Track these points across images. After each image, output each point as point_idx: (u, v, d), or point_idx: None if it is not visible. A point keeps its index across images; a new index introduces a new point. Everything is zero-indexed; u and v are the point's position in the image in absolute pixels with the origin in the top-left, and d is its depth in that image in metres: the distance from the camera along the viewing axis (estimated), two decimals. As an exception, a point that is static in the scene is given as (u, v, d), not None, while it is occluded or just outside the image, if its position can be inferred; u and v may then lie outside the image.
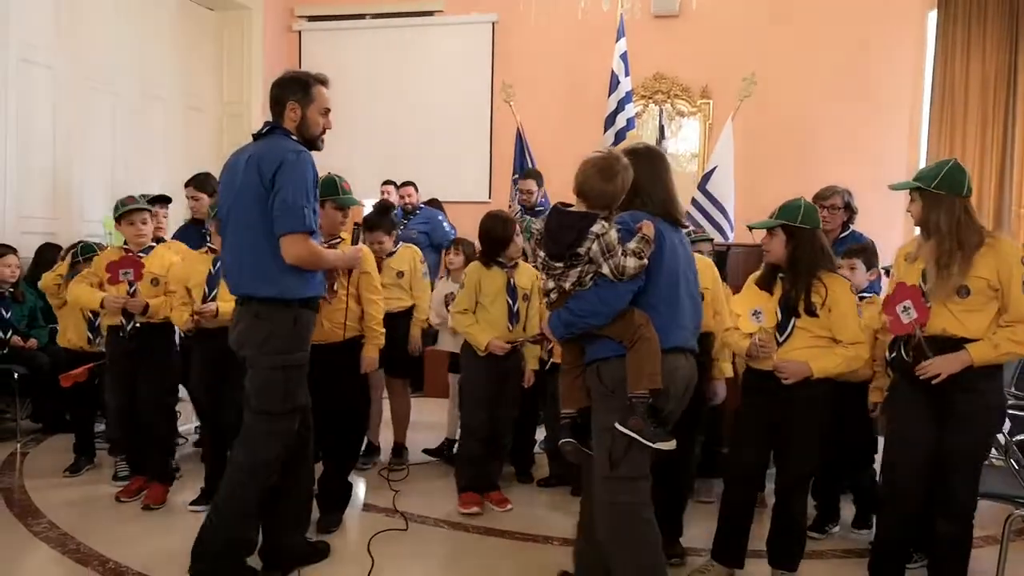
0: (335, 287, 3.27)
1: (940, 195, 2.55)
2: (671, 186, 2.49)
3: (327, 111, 2.79)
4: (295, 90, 2.72)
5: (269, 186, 2.57)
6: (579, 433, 2.43)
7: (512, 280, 3.73)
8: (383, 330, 3.49)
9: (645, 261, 2.27)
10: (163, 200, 4.47)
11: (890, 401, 2.81)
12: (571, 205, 2.36)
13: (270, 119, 2.79)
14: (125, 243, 3.77)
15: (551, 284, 2.36)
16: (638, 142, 2.52)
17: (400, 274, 4.12)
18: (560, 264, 2.31)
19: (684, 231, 2.56)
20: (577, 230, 2.27)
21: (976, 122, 6.54)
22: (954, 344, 2.54)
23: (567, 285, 2.31)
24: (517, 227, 3.81)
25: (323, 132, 2.80)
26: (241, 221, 2.66)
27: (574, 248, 2.26)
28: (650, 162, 2.48)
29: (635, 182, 2.37)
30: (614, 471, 2.29)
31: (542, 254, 2.39)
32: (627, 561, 2.31)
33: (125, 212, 3.66)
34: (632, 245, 2.26)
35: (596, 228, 2.25)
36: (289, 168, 2.57)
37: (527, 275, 3.79)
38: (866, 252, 3.37)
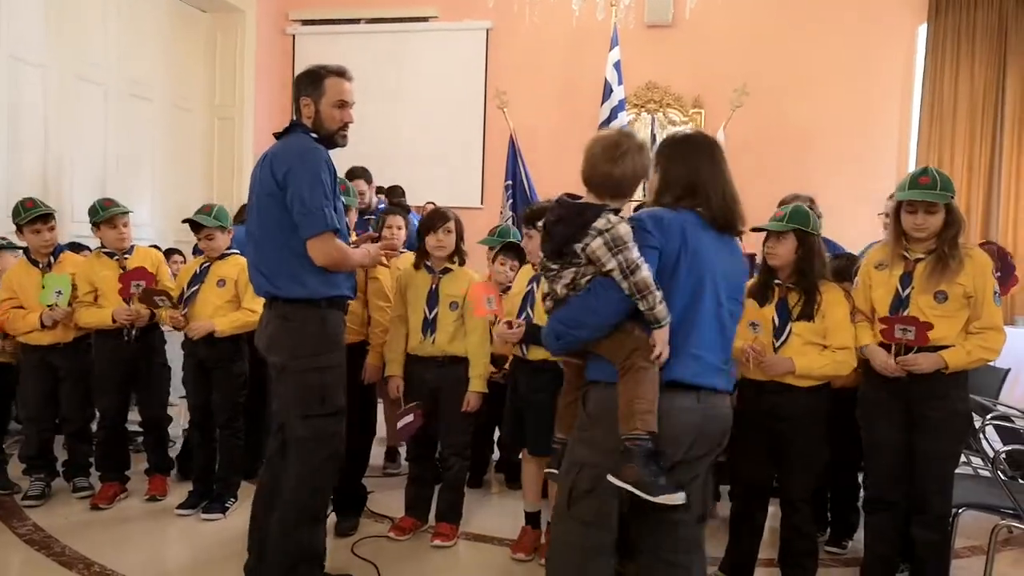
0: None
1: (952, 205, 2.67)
2: (728, 184, 2.05)
3: (343, 103, 2.62)
4: (306, 85, 2.61)
5: (283, 185, 2.51)
6: None
7: (436, 286, 3.32)
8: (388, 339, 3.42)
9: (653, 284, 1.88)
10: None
11: (862, 407, 2.85)
12: (580, 197, 2.03)
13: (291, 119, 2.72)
14: (103, 247, 3.74)
15: (546, 288, 2.05)
16: (687, 129, 2.08)
17: None
18: (556, 265, 1.99)
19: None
20: (576, 224, 1.92)
21: (964, 137, 6.63)
22: (924, 350, 2.63)
23: (559, 288, 1.98)
24: (451, 225, 3.31)
25: (343, 127, 2.65)
26: (261, 221, 2.60)
27: (571, 244, 1.93)
28: (707, 151, 2.07)
29: (687, 177, 2.02)
30: (571, 510, 2.02)
31: (541, 255, 2.09)
32: None
33: (107, 217, 3.63)
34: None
35: (599, 223, 1.89)
36: (299, 168, 2.49)
37: (458, 282, 3.33)
38: (848, 272, 3.29)
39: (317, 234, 2.50)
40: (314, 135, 2.63)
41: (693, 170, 2.04)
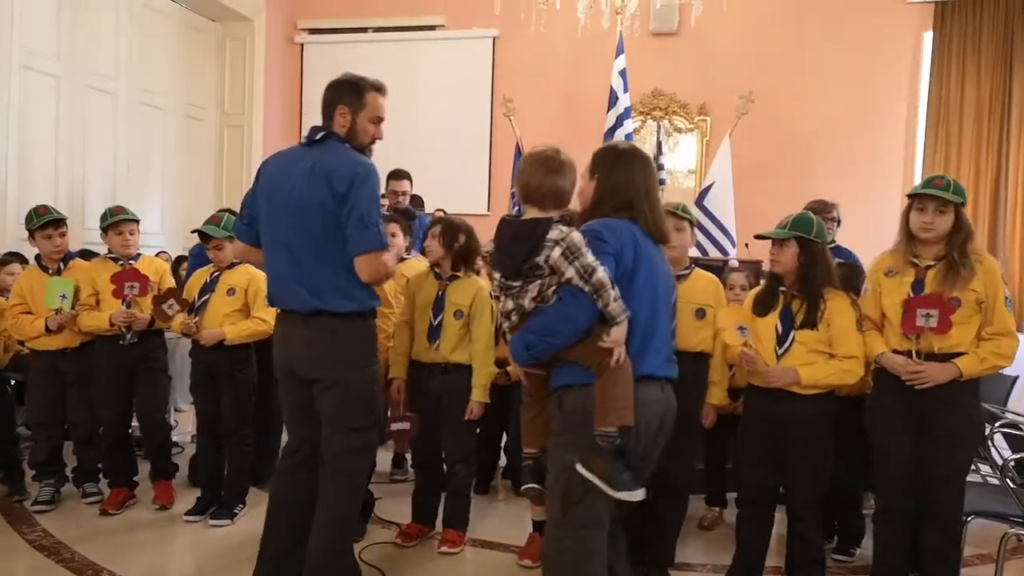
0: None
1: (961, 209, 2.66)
2: (656, 194, 2.25)
3: (379, 120, 2.65)
4: (347, 94, 2.59)
5: (342, 200, 2.45)
6: (543, 475, 2.17)
7: (442, 293, 3.32)
8: (391, 345, 3.44)
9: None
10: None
11: (872, 413, 2.83)
12: (519, 217, 2.14)
13: (317, 124, 2.64)
14: (110, 252, 3.77)
15: (510, 305, 2.08)
16: (622, 141, 2.36)
17: None
18: (517, 282, 2.05)
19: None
20: (532, 239, 2.01)
21: (971, 144, 6.61)
22: (938, 357, 2.60)
23: (526, 302, 2.04)
24: (435, 230, 3.36)
25: (372, 141, 2.67)
26: (306, 232, 2.50)
27: (531, 259, 2.01)
28: (643, 165, 2.24)
29: (620, 185, 2.16)
30: (566, 516, 2.05)
31: (497, 275, 2.15)
32: None
33: (113, 222, 3.68)
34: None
35: (553, 234, 1.99)
36: (361, 183, 2.46)
37: (464, 290, 3.32)
38: (854, 281, 3.28)
39: (370, 251, 2.47)
40: (346, 145, 2.61)
41: (631, 182, 2.18)
